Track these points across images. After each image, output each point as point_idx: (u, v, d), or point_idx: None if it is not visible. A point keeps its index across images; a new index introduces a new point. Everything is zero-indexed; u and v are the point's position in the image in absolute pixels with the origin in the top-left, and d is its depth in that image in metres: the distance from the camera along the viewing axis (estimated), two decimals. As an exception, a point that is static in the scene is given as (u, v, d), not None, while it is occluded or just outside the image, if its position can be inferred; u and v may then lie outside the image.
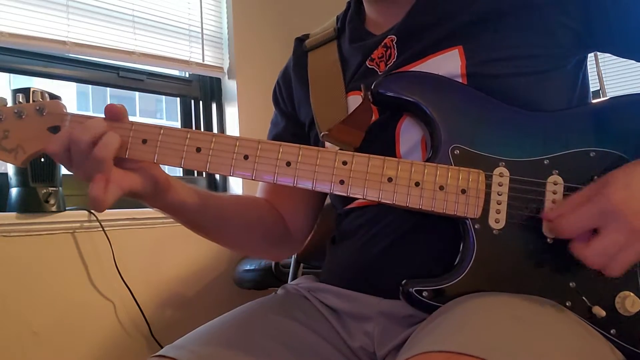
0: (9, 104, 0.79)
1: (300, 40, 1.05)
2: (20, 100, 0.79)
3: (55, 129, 0.77)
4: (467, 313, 0.66)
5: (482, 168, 0.74)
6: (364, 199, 0.75)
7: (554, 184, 0.74)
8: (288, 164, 0.74)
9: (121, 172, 0.75)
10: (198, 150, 0.75)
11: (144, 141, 0.75)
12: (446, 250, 0.77)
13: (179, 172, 2.44)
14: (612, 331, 0.71)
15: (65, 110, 0.78)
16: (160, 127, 0.77)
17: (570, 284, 0.72)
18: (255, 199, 1.03)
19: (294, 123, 1.02)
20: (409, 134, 0.82)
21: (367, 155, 0.74)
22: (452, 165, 0.75)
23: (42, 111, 0.77)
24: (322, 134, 0.86)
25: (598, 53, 1.98)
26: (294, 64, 1.03)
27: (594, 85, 1.83)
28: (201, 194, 0.88)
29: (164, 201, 0.82)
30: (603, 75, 2.00)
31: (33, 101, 0.79)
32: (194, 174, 2.41)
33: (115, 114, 0.76)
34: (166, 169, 0.81)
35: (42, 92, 0.79)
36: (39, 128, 0.77)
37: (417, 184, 0.73)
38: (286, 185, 0.99)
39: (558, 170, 0.74)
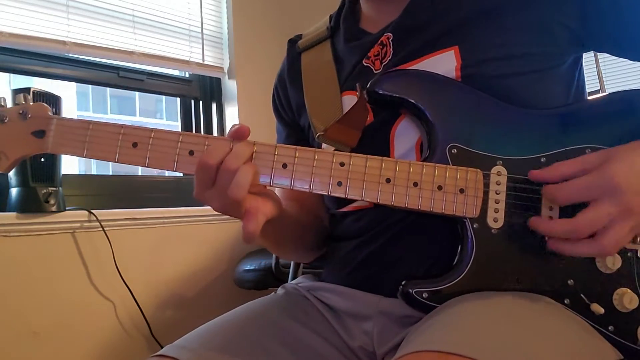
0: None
1: (293, 42, 1.04)
2: (2, 104, 0.77)
3: (40, 134, 0.75)
4: (460, 313, 0.67)
5: (479, 167, 0.74)
6: (362, 200, 0.74)
7: None
8: (284, 165, 0.73)
9: (259, 199, 0.73)
10: (191, 153, 0.73)
11: (191, 152, 0.73)
12: (444, 250, 0.77)
13: (178, 174, 2.44)
14: (609, 328, 0.72)
15: (50, 114, 0.76)
16: (151, 129, 0.75)
17: (569, 282, 0.73)
18: (296, 203, 1.00)
19: (296, 130, 1.01)
20: (403, 137, 0.82)
21: (364, 155, 0.74)
22: (449, 164, 0.74)
23: (26, 115, 0.75)
24: (318, 134, 0.86)
25: (598, 52, 1.98)
26: (288, 68, 1.02)
27: (594, 85, 1.82)
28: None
29: (278, 222, 0.79)
30: (603, 75, 1.99)
31: (16, 104, 0.76)
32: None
33: (242, 135, 0.72)
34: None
35: (26, 96, 0.76)
36: (22, 132, 0.75)
37: (415, 184, 0.73)
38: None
39: None
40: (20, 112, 0.75)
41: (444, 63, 0.80)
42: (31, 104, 0.77)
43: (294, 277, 1.63)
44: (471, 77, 0.78)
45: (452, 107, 0.77)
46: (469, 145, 0.75)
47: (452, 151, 0.75)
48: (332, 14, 1.02)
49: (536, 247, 0.73)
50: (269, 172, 0.73)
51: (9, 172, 0.78)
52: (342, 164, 0.73)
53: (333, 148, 0.84)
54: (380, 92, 0.79)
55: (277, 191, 1.02)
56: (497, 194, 0.74)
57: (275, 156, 0.73)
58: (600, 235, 0.66)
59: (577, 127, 0.76)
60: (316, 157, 0.73)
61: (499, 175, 0.74)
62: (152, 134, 0.74)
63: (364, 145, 0.82)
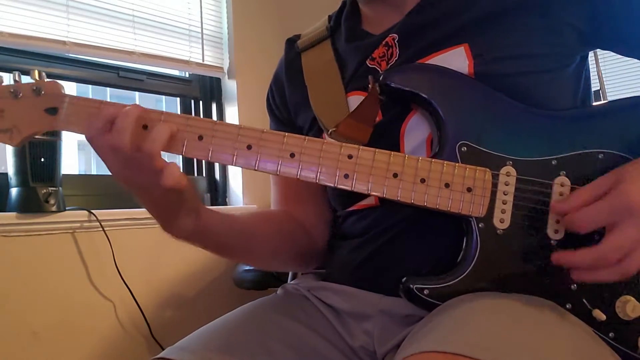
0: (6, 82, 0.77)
1: (291, 42, 1.03)
2: (17, 79, 0.77)
3: (53, 111, 0.75)
4: (465, 313, 0.66)
5: (489, 166, 0.74)
6: (368, 193, 0.74)
7: (561, 185, 0.73)
8: (292, 155, 0.73)
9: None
10: (200, 138, 0.73)
11: (200, 137, 0.74)
12: (448, 248, 0.77)
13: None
14: (610, 335, 0.72)
15: (63, 92, 0.76)
16: (162, 112, 0.75)
17: (572, 287, 0.72)
18: (274, 211, 1.02)
19: (290, 129, 0.98)
20: (413, 133, 0.82)
21: (372, 149, 0.73)
22: (458, 162, 0.74)
23: (40, 91, 0.75)
24: (330, 131, 0.85)
25: (598, 53, 1.98)
26: (286, 67, 1.01)
27: (594, 86, 1.82)
28: (225, 216, 0.87)
29: (195, 221, 0.80)
30: (603, 75, 2.00)
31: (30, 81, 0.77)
32: (194, 174, 2.41)
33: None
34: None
35: (40, 72, 0.76)
36: (35, 109, 0.75)
37: (422, 181, 0.73)
38: (298, 191, 0.97)
39: (565, 171, 0.74)
40: (34, 88, 0.75)
41: (456, 59, 0.79)
42: (46, 80, 0.77)
43: (294, 277, 1.63)
44: (483, 75, 0.78)
45: (464, 104, 0.77)
46: (479, 144, 0.75)
47: (462, 149, 0.75)
48: (332, 14, 1.01)
49: (540, 250, 0.73)
50: (277, 161, 0.73)
51: (20, 146, 0.78)
52: (349, 157, 0.73)
53: None
54: (393, 85, 0.79)
55: (272, 196, 1.03)
56: (505, 194, 0.73)
57: (284, 145, 0.73)
58: (627, 260, 0.65)
59: (589, 131, 0.76)
60: (323, 148, 0.73)
61: (508, 175, 0.74)
62: (162, 117, 0.73)
63: (374, 141, 0.81)
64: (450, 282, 0.73)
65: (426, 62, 0.81)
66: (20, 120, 0.75)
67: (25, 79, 0.78)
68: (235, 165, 0.74)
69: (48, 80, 0.77)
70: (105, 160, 0.73)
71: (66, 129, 0.76)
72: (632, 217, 0.64)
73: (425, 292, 0.73)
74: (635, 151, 0.74)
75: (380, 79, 0.80)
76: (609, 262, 0.65)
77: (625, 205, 0.65)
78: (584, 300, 0.72)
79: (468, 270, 0.73)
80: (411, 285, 0.73)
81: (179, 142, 0.73)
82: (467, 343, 0.57)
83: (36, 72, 0.76)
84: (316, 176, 0.73)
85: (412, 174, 0.73)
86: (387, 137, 0.82)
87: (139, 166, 0.71)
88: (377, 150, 0.73)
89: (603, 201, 0.66)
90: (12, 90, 0.75)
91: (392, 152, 0.73)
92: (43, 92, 0.76)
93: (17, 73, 0.77)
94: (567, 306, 0.72)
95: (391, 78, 0.79)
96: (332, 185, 0.73)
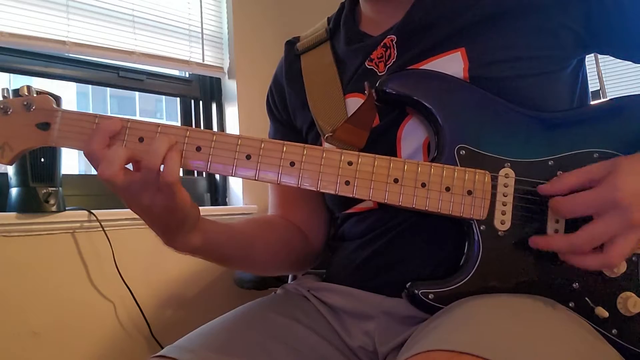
0: (-4, 98, 0.75)
1: (291, 44, 1.03)
2: (6, 95, 0.75)
3: (45, 126, 0.73)
4: (469, 313, 0.67)
5: (487, 168, 0.74)
6: (369, 200, 0.74)
7: None
8: (292, 164, 0.72)
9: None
10: (198, 149, 0.72)
11: (199, 149, 0.73)
12: (449, 251, 0.77)
13: (178, 172, 2.43)
14: (613, 331, 0.72)
15: (54, 106, 0.74)
16: (157, 124, 0.74)
17: (574, 285, 0.73)
18: (272, 218, 1.01)
19: (290, 130, 1.01)
20: (410, 138, 0.82)
21: (372, 155, 0.73)
22: (457, 165, 0.74)
23: (30, 107, 0.73)
24: (327, 135, 0.85)
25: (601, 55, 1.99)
26: (285, 70, 1.01)
27: (594, 86, 1.83)
28: (225, 226, 0.87)
29: (199, 237, 0.81)
30: (603, 76, 2.00)
31: (19, 96, 0.74)
32: (193, 174, 2.40)
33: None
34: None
35: (29, 87, 0.74)
36: (26, 125, 0.73)
37: (423, 185, 0.73)
38: (296, 196, 0.96)
39: (562, 171, 0.74)
40: (25, 103, 0.73)
41: (452, 64, 0.79)
42: (35, 95, 0.75)
43: (294, 277, 1.63)
44: (479, 78, 0.78)
45: (461, 107, 0.77)
46: (477, 147, 0.75)
47: (461, 152, 0.75)
48: (330, 16, 1.01)
49: (542, 250, 0.73)
50: (277, 170, 0.72)
51: (12, 164, 0.76)
52: (350, 163, 0.73)
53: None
54: (389, 91, 0.79)
55: (270, 200, 1.03)
56: (505, 196, 0.74)
57: (283, 154, 0.73)
58: (607, 249, 0.66)
59: (585, 130, 0.76)
60: (324, 156, 0.73)
61: (507, 177, 0.74)
62: (159, 129, 0.73)
63: (371, 145, 0.82)
64: (455, 286, 0.73)
65: (422, 68, 0.81)
66: (11, 137, 0.73)
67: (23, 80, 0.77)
68: (235, 176, 0.73)
69: (38, 94, 0.75)
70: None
71: (60, 144, 0.74)
72: (615, 209, 0.65)
73: (430, 296, 0.73)
74: (630, 150, 0.74)
75: (377, 85, 0.80)
76: (582, 250, 0.67)
77: (611, 197, 0.65)
78: (586, 299, 0.72)
79: (472, 273, 0.73)
80: (416, 291, 0.73)
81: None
82: (471, 341, 0.57)
83: (25, 87, 0.74)
84: (317, 184, 0.73)
85: (413, 178, 0.73)
86: (383, 142, 0.83)
87: (140, 182, 0.71)
88: (377, 156, 0.73)
89: (592, 191, 0.67)
90: (1, 107, 0.73)
91: (392, 158, 0.73)
92: (34, 107, 0.74)
93: (5, 89, 0.75)
94: (570, 305, 0.72)
95: (387, 84, 0.79)
96: (333, 192, 0.73)
